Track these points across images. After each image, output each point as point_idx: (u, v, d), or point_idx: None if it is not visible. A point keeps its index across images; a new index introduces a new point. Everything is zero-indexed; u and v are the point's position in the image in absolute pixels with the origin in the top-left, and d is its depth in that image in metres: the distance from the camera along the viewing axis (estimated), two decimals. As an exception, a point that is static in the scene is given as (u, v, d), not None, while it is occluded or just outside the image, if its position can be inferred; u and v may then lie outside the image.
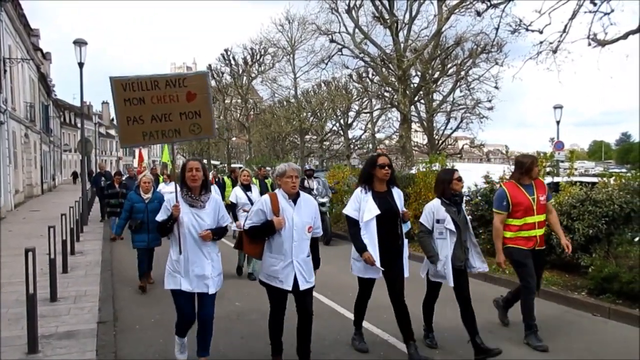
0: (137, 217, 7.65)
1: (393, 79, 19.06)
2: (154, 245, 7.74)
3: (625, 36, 9.60)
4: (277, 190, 4.45)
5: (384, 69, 19.86)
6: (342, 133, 37.00)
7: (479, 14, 13.23)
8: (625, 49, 11.31)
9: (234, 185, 10.53)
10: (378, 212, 4.70)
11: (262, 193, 10.82)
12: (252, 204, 7.89)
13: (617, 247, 7.42)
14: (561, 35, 10.40)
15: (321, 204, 11.07)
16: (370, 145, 36.18)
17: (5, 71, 19.65)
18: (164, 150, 21.32)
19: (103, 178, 16.86)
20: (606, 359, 4.96)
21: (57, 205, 20.58)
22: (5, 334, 5.17)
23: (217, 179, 16.21)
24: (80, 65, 16.17)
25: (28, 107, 26.64)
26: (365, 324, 5.90)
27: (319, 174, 24.93)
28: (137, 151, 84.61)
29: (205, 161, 42.39)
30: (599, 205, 7.21)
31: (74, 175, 47.51)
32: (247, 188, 8.59)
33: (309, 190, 11.42)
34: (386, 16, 17.38)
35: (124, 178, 14.63)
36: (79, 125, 48.38)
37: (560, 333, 5.63)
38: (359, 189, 4.90)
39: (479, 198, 9.40)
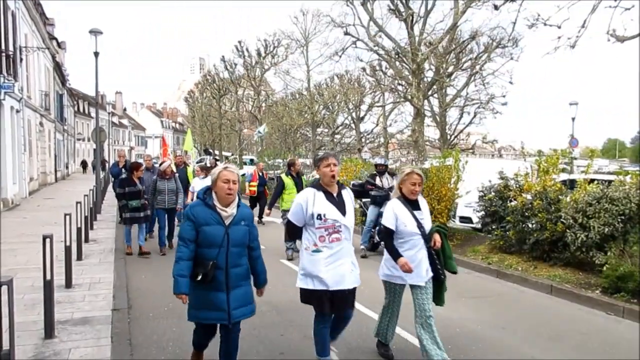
0: (206, 255, 3.69)
1: (407, 73, 18.93)
2: (242, 316, 3.93)
3: (645, 32, 9.44)
4: None
5: (397, 63, 19.74)
6: (353, 126, 36.90)
7: (496, 7, 13.06)
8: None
9: (298, 186, 9.34)
10: None
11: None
12: None
13: (632, 246, 7.33)
14: (580, 31, 10.25)
15: None
16: (382, 139, 36.03)
17: (21, 60, 19.81)
18: (187, 136, 19.61)
19: (123, 170, 11.35)
20: (619, 358, 4.93)
21: (71, 193, 20.78)
22: (21, 319, 5.23)
23: (260, 174, 14.85)
24: (96, 54, 16.27)
25: (43, 96, 26.86)
26: (377, 317, 5.93)
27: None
28: (157, 140, 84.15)
29: (216, 152, 42.72)
30: (616, 203, 7.13)
31: (83, 164, 47.30)
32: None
33: (386, 192, 9.28)
34: (401, 9, 17.23)
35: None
36: (92, 114, 48.69)
37: (573, 331, 5.59)
38: None
39: (493, 194, 9.34)
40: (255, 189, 14.68)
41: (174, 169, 10.61)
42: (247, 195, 15.03)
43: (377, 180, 9.68)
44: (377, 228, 9.00)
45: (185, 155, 15.25)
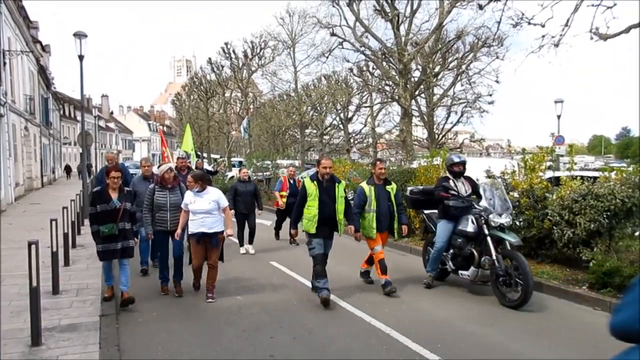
0: None
1: (394, 73, 19.02)
2: None
3: (627, 30, 9.57)
4: None
5: (384, 63, 19.82)
6: (342, 127, 36.91)
7: (481, 7, 13.15)
8: (627, 43, 11.29)
9: (322, 196, 6.57)
10: None
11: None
12: None
13: (618, 242, 7.43)
14: (563, 29, 10.36)
15: (498, 228, 6.76)
16: (371, 140, 36.13)
17: (4, 63, 19.58)
18: (186, 134, 15.80)
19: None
20: (606, 352, 4.98)
21: (57, 198, 20.57)
22: (8, 326, 5.18)
23: (291, 181, 11.57)
24: (80, 57, 16.11)
25: (28, 100, 26.56)
26: (366, 317, 5.95)
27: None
28: (145, 144, 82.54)
29: (204, 155, 42.54)
30: (601, 199, 7.20)
31: (67, 169, 46.20)
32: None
33: (468, 203, 7.03)
34: (387, 9, 17.31)
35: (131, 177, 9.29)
36: (78, 118, 48.24)
37: (561, 327, 5.64)
38: None
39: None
40: (284, 200, 11.34)
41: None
42: (276, 208, 11.88)
43: (452, 183, 7.29)
44: (452, 252, 7.22)
45: (187, 159, 11.32)
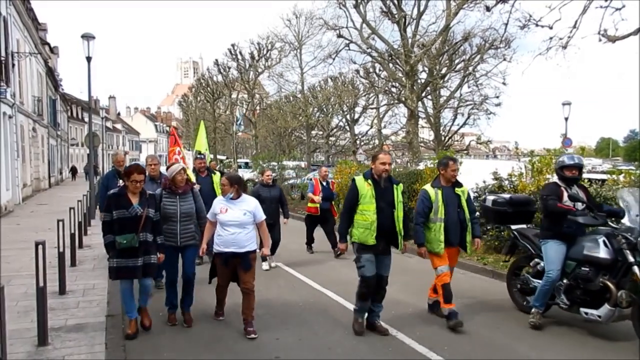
0: None
1: (400, 75, 18.98)
2: None
3: (635, 32, 9.50)
4: None
5: (391, 65, 19.78)
6: (348, 128, 36.94)
7: (488, 9, 13.08)
8: (636, 45, 11.21)
9: (380, 198, 5.29)
10: None
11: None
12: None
13: (626, 245, 7.35)
14: (571, 31, 10.29)
15: None
16: (377, 141, 36.11)
17: (13, 65, 19.72)
18: (200, 132, 13.12)
19: (120, 181, 7.37)
20: (609, 354, 4.94)
21: (64, 199, 20.69)
22: (14, 326, 5.20)
23: (324, 183, 10.23)
24: (88, 59, 16.22)
25: (36, 101, 26.74)
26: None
27: (328, 169, 24.59)
28: (152, 145, 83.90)
29: (211, 156, 42.69)
30: (609, 202, 7.15)
31: (73, 170, 46.25)
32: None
33: (602, 218, 5.43)
34: (394, 11, 17.27)
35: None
36: (86, 119, 48.45)
37: (569, 332, 5.61)
38: None
39: (487, 194, 9.35)
40: (317, 205, 10.06)
41: (193, 179, 6.62)
42: (306, 213, 10.65)
43: (565, 189, 5.62)
44: (565, 282, 5.55)
45: (202, 160, 9.25)
